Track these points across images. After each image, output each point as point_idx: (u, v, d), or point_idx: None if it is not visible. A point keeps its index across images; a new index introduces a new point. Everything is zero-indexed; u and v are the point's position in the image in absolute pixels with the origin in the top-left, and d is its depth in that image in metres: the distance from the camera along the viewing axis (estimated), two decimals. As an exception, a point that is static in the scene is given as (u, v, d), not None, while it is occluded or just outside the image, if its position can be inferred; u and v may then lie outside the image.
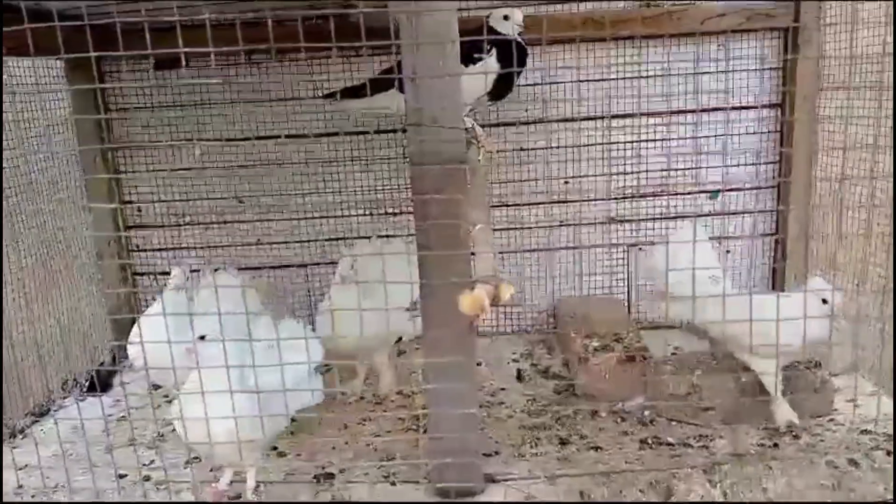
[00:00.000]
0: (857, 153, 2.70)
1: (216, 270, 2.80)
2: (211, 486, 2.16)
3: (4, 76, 2.69)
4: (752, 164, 3.39)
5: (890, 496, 1.99)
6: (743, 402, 2.48)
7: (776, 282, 3.43)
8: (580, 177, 3.38)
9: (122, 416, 2.76)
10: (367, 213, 3.44)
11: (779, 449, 2.33)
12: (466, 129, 2.11)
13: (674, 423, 2.54)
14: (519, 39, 2.55)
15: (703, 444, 2.39)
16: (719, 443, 2.39)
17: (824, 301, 2.28)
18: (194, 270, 2.80)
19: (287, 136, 3.28)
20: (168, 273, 2.64)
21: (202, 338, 1.92)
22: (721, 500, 2.03)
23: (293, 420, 2.58)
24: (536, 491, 2.11)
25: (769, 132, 3.35)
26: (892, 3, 2.25)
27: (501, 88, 2.57)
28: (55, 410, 2.86)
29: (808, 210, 3.27)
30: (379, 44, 1.78)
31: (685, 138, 3.33)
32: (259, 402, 1.88)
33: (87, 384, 3.04)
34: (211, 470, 2.28)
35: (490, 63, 2.50)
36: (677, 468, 2.18)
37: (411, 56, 1.90)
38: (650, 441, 2.42)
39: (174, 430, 2.14)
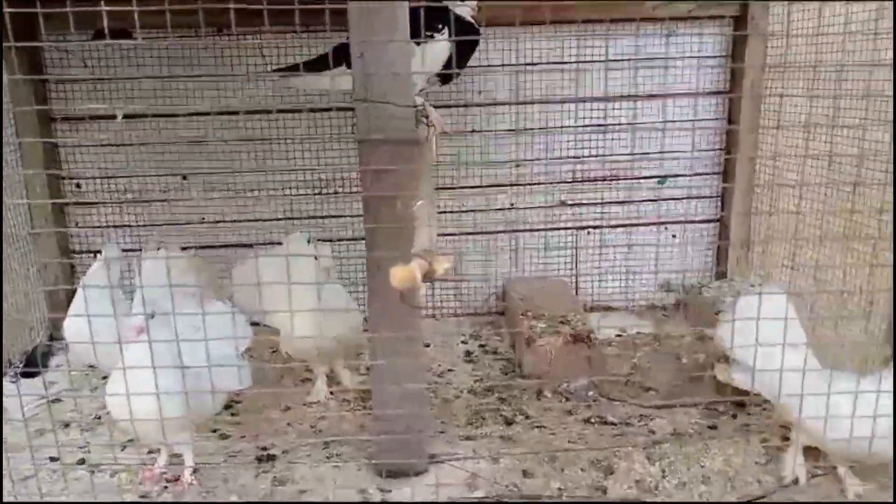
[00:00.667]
0: (792, 132, 2.78)
1: (159, 248, 2.72)
2: (146, 467, 2.11)
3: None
4: (696, 150, 3.45)
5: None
6: (682, 381, 2.54)
7: (720, 260, 3.52)
8: (530, 161, 3.40)
9: (57, 399, 2.68)
10: (316, 192, 3.39)
11: (716, 430, 2.39)
12: (416, 106, 2.08)
13: (616, 402, 2.58)
14: (471, 20, 2.53)
15: (644, 423, 2.43)
16: (659, 422, 2.43)
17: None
18: (127, 249, 2.71)
19: (216, 113, 3.20)
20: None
21: (152, 316, 1.87)
22: (660, 477, 2.07)
23: (237, 402, 2.56)
24: (479, 470, 2.12)
25: (714, 119, 3.42)
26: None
27: (451, 67, 2.55)
28: (-15, 391, 2.75)
29: (750, 191, 3.36)
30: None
31: (630, 124, 3.37)
32: (183, 379, 1.83)
33: (22, 364, 2.93)
34: (149, 452, 2.23)
35: (444, 44, 2.47)
36: (619, 447, 2.21)
37: (359, 30, 1.86)
38: (593, 420, 2.46)
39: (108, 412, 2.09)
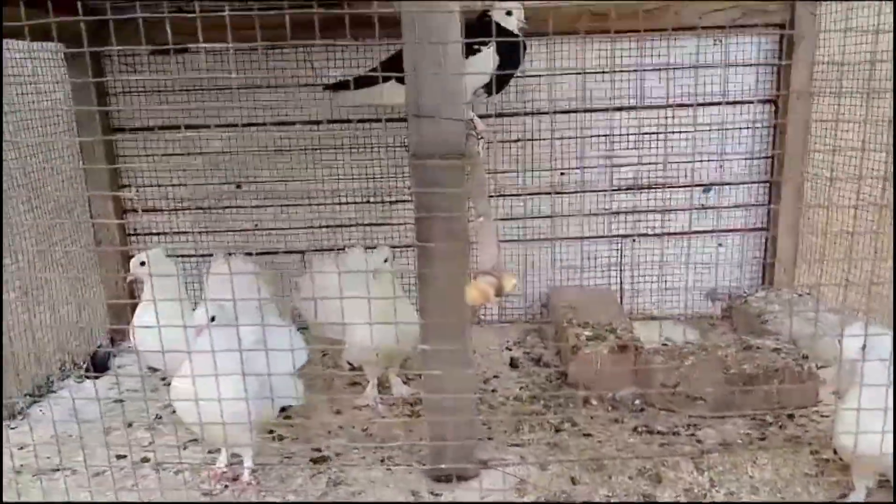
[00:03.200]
0: (846, 155, 2.76)
1: (229, 255, 2.83)
2: (209, 467, 2.21)
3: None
4: (746, 159, 3.44)
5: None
6: (731, 392, 2.54)
7: (766, 269, 3.49)
8: (577, 169, 3.42)
9: (120, 399, 2.80)
10: (366, 200, 3.47)
11: (765, 440, 2.39)
12: (464, 121, 2.14)
13: (663, 411, 2.60)
14: (518, 34, 2.58)
15: (692, 433, 2.44)
16: (708, 431, 2.44)
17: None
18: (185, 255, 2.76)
19: (282, 123, 3.29)
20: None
21: (213, 319, 1.96)
22: (708, 486, 2.09)
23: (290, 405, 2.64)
24: (528, 476, 2.16)
25: (763, 128, 3.40)
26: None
27: (499, 81, 2.60)
28: (54, 392, 2.89)
29: (798, 207, 3.34)
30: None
31: (684, 132, 3.37)
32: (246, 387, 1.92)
33: (84, 366, 3.07)
34: (209, 452, 2.32)
35: (490, 55, 2.52)
36: (666, 456, 2.23)
37: (412, 48, 1.92)
38: (640, 429, 2.48)
39: (173, 412, 2.19)
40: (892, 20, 2.23)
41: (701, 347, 2.79)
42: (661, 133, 3.35)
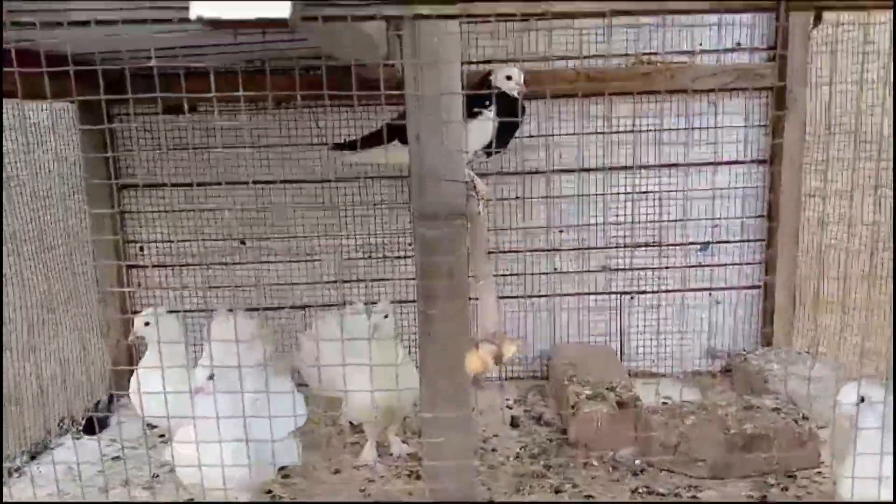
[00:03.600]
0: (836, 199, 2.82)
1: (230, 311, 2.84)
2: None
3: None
4: (740, 217, 3.49)
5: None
6: (732, 453, 2.53)
7: (765, 326, 3.52)
8: (576, 226, 3.47)
9: (117, 456, 2.78)
10: (368, 256, 3.51)
11: (767, 502, 2.37)
12: (465, 181, 2.19)
13: (664, 472, 2.58)
14: (517, 96, 2.67)
15: (693, 495, 2.42)
16: (710, 493, 2.42)
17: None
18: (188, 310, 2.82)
19: (283, 181, 3.35)
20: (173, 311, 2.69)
21: (211, 377, 1.97)
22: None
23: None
24: (529, 539, 2.15)
25: (756, 187, 3.46)
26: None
27: (499, 142, 2.67)
28: (52, 449, 2.87)
29: (794, 258, 3.38)
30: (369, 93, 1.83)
31: (677, 191, 3.43)
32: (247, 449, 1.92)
33: (83, 423, 3.05)
34: (207, 512, 2.30)
35: (490, 118, 2.60)
36: (668, 518, 2.22)
37: (415, 112, 1.98)
38: (641, 490, 2.46)
39: (171, 470, 2.18)
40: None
41: (701, 406, 2.79)
42: (654, 193, 3.42)
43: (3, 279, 2.59)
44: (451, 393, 1.85)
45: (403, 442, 2.81)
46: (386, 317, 2.56)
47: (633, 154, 3.39)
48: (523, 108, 2.75)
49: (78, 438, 2.94)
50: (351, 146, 2.84)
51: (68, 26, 1.28)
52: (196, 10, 1.08)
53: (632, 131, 3.37)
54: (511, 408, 3.23)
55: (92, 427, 2.98)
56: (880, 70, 2.51)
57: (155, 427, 2.82)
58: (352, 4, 1.20)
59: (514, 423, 3.06)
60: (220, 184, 3.21)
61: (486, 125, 2.59)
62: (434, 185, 1.98)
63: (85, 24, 1.23)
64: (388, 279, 3.51)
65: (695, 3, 1.27)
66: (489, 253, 3.26)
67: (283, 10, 1.09)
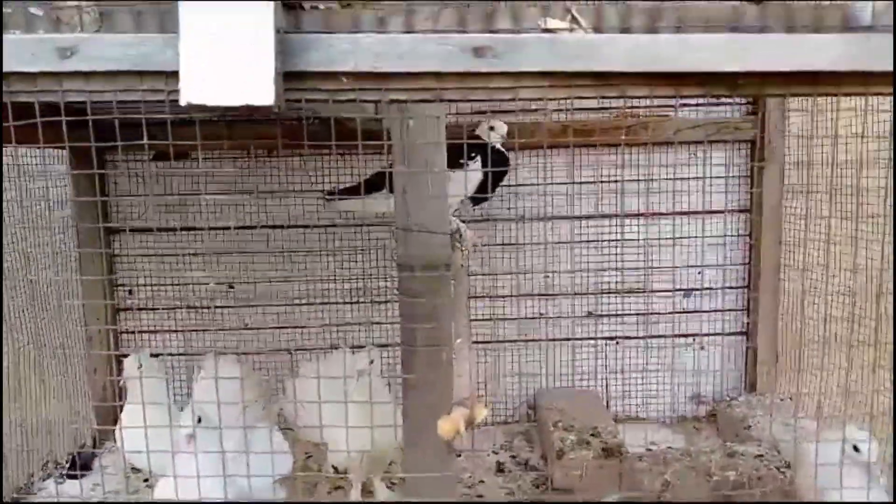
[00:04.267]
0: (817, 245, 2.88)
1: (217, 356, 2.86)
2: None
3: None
4: (723, 265, 3.56)
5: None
6: (715, 499, 2.54)
7: (749, 372, 3.55)
8: (562, 272, 3.53)
9: (102, 501, 2.77)
10: (355, 300, 3.54)
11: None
12: (451, 233, 2.23)
13: (648, 520, 2.59)
14: (500, 148, 2.75)
15: (677, 543, 2.43)
16: (692, 542, 2.43)
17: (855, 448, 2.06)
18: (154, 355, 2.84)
19: (262, 227, 3.41)
20: (157, 355, 2.71)
21: (199, 421, 1.98)
22: None
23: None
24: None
25: (738, 235, 3.54)
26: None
27: (483, 191, 2.74)
28: (34, 493, 2.85)
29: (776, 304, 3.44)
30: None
31: (663, 239, 3.50)
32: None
33: (67, 466, 3.04)
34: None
35: (474, 168, 2.67)
36: (650, 567, 2.22)
37: (401, 163, 2.04)
38: (624, 538, 2.46)
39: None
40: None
41: (685, 453, 2.81)
42: (641, 240, 3.48)
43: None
44: (432, 456, 1.85)
45: (389, 488, 2.80)
46: (371, 362, 2.58)
47: (618, 202, 3.47)
48: (506, 159, 2.83)
49: (61, 483, 2.93)
50: (344, 193, 2.90)
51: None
52: (186, 97, 1.15)
53: (617, 181, 3.45)
54: (497, 453, 3.24)
55: (75, 469, 2.97)
56: (853, 126, 2.59)
57: (139, 470, 2.81)
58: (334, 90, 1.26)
59: (500, 469, 3.06)
60: (204, 229, 3.26)
61: (471, 175, 2.66)
62: (418, 236, 2.03)
63: (80, 104, 1.29)
64: (376, 323, 3.54)
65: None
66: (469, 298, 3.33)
67: (267, 98, 1.15)
